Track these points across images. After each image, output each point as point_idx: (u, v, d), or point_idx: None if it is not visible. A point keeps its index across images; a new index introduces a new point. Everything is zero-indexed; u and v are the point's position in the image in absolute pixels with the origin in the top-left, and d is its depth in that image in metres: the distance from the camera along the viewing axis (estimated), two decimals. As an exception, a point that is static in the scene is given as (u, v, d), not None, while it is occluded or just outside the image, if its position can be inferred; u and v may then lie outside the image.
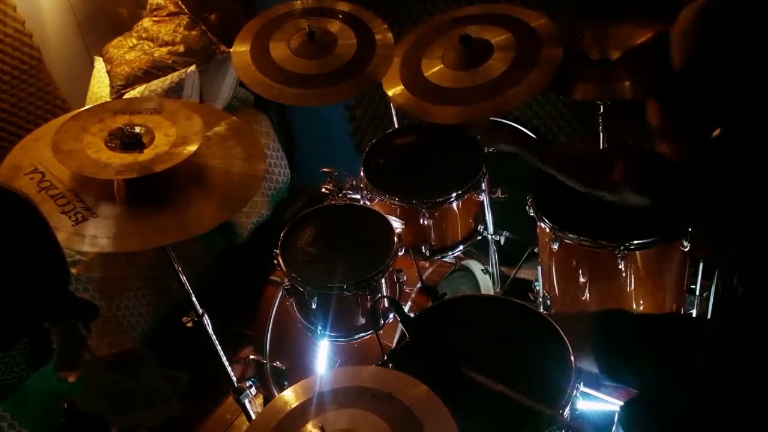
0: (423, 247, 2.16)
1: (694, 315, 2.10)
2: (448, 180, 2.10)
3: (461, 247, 2.23)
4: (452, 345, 1.61)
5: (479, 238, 2.27)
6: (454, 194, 2.08)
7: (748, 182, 1.26)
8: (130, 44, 3.06)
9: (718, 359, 1.39)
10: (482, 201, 2.18)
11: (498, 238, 2.33)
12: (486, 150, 2.17)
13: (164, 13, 3.09)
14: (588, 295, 2.01)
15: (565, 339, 1.54)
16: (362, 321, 1.95)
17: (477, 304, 1.81)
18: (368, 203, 2.14)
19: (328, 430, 1.27)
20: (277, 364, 2.23)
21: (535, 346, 1.58)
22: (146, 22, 3.11)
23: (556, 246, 1.94)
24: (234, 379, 1.99)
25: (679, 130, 1.33)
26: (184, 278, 1.77)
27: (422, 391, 1.32)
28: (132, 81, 2.91)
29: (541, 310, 2.12)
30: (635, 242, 1.85)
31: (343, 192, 2.21)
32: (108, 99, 2.93)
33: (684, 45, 1.27)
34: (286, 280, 1.94)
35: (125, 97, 2.86)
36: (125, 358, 1.66)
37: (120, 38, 3.12)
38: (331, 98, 2.19)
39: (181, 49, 2.96)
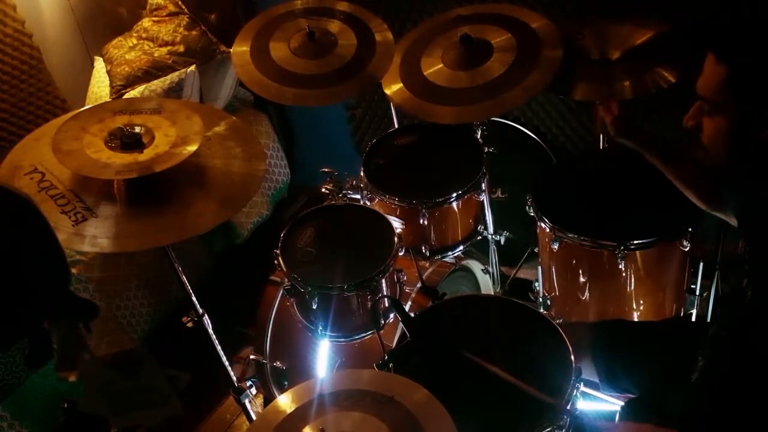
0: (423, 247, 2.16)
1: (693, 316, 2.10)
2: (448, 180, 2.10)
3: (461, 247, 2.23)
4: (452, 345, 1.61)
5: (479, 238, 2.27)
6: (454, 194, 2.08)
7: None
8: (130, 44, 3.06)
9: (718, 361, 1.39)
10: (482, 201, 2.19)
11: (498, 238, 2.33)
12: (487, 150, 2.17)
13: (164, 13, 3.09)
14: (588, 295, 2.01)
15: (566, 339, 1.54)
16: (363, 321, 1.95)
17: (477, 304, 1.81)
18: (368, 203, 2.14)
19: (328, 433, 1.27)
20: (278, 364, 2.23)
21: (535, 346, 1.58)
22: (146, 22, 3.11)
23: (556, 246, 1.94)
24: (234, 379, 1.99)
25: (744, 102, 1.21)
26: (184, 278, 1.77)
27: (424, 395, 1.32)
28: (132, 81, 2.90)
29: (541, 310, 2.12)
30: (635, 242, 1.85)
31: (343, 192, 2.21)
32: (108, 99, 2.93)
33: None
34: (286, 280, 1.94)
35: (125, 97, 2.86)
36: (125, 358, 1.66)
37: (120, 38, 3.12)
38: (331, 98, 2.18)
39: (181, 49, 2.96)
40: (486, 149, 2.18)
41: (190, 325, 1.84)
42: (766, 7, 1.24)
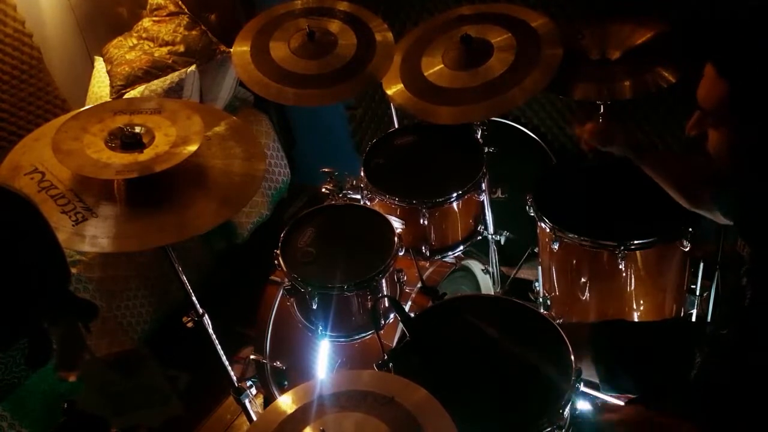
0: (423, 247, 2.16)
1: (693, 317, 2.10)
2: (448, 180, 2.10)
3: (461, 247, 2.23)
4: (452, 345, 1.61)
5: (479, 238, 2.27)
6: (454, 194, 2.08)
7: None
8: (130, 44, 3.06)
9: (717, 359, 1.39)
10: (482, 201, 2.19)
11: (498, 238, 2.33)
12: (487, 150, 2.17)
13: (164, 13, 3.09)
14: (588, 295, 2.01)
15: (565, 339, 1.54)
16: (363, 321, 1.95)
17: (477, 304, 1.81)
18: (368, 203, 2.14)
19: (328, 433, 1.27)
20: (278, 364, 2.23)
21: (535, 346, 1.58)
22: (146, 22, 3.11)
23: (556, 246, 1.94)
24: (234, 379, 1.99)
25: (743, 116, 1.20)
26: (184, 278, 1.77)
27: (423, 395, 1.32)
28: (132, 81, 2.90)
29: (541, 310, 2.12)
30: (635, 242, 1.85)
31: (343, 192, 2.21)
32: (108, 99, 2.93)
33: None
34: (287, 280, 1.94)
35: (125, 97, 2.86)
36: (125, 358, 1.67)
37: (120, 38, 3.12)
38: (331, 98, 2.18)
39: (181, 49, 2.96)
40: (486, 149, 2.18)
41: (190, 325, 1.84)
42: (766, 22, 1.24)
